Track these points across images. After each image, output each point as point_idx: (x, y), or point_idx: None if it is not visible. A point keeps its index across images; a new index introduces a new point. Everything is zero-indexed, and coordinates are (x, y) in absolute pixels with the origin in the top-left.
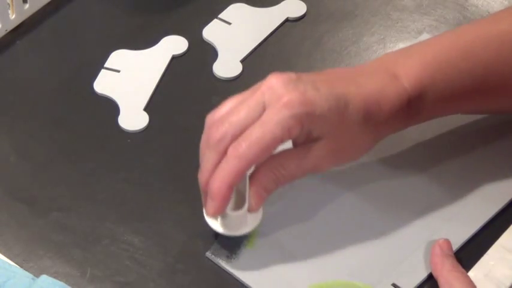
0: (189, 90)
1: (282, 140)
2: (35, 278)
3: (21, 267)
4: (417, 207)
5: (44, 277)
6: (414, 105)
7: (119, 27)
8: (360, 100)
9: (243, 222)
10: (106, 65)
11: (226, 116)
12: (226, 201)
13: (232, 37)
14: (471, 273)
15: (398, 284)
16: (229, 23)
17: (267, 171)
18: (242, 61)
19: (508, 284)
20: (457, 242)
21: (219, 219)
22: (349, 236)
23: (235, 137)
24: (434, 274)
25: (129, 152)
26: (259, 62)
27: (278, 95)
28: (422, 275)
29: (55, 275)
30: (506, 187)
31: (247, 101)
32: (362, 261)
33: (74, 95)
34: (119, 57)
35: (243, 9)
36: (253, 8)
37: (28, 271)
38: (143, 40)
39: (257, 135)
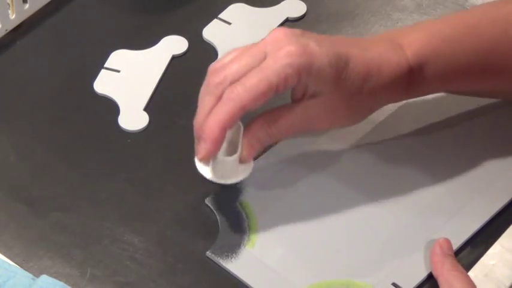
0: (189, 90)
1: (277, 88)
2: (35, 278)
3: (21, 267)
4: (417, 207)
5: (44, 277)
6: (414, 76)
7: (119, 27)
8: (360, 61)
9: (233, 170)
10: (106, 65)
11: (227, 63)
12: (218, 144)
13: (232, 37)
14: (471, 273)
15: (398, 283)
16: (229, 23)
17: (261, 123)
18: None
19: (508, 284)
20: (457, 242)
21: (210, 165)
22: (349, 235)
23: (234, 82)
24: (434, 273)
25: (129, 152)
26: None
27: (279, 46)
28: (422, 275)
29: (55, 275)
30: (506, 187)
31: (249, 50)
32: (362, 260)
33: (74, 95)
34: (119, 57)
35: (243, 9)
36: (253, 8)
37: (28, 271)
38: (143, 40)
39: (253, 80)
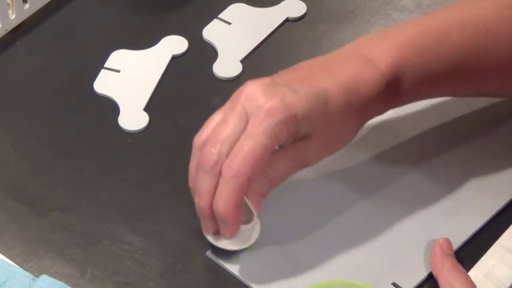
0: (189, 90)
1: (272, 148)
2: (35, 278)
3: (21, 267)
4: (417, 207)
5: (44, 277)
6: (392, 89)
7: (119, 27)
8: (338, 91)
9: (251, 233)
10: (106, 65)
11: (213, 135)
12: (238, 222)
13: (232, 37)
14: (471, 273)
15: (398, 283)
16: (229, 23)
17: (260, 178)
18: (242, 61)
19: (508, 284)
20: (457, 242)
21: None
22: (349, 235)
23: (229, 153)
24: (434, 273)
25: (129, 152)
26: (259, 62)
27: (258, 104)
28: (422, 275)
29: (55, 275)
30: (506, 187)
31: (230, 115)
32: (362, 260)
33: (74, 95)
34: (119, 57)
35: (243, 9)
36: (253, 8)
37: (28, 271)
38: (143, 40)
39: (247, 149)
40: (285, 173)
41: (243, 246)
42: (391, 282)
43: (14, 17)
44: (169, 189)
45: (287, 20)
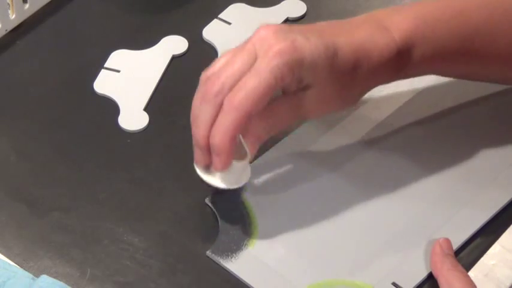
0: (189, 90)
1: (275, 88)
2: (35, 278)
3: (21, 267)
4: (417, 207)
5: (44, 277)
6: (403, 58)
7: (119, 27)
8: (349, 48)
9: (241, 174)
10: (106, 65)
11: (220, 69)
12: (231, 155)
13: (232, 37)
14: (471, 273)
15: (398, 283)
16: (229, 23)
17: (258, 121)
18: None
19: (508, 284)
20: (457, 242)
21: (218, 174)
22: (349, 235)
23: (232, 88)
24: (434, 273)
25: (129, 152)
26: None
27: (269, 45)
28: (422, 274)
29: (55, 275)
30: (506, 187)
31: (239, 53)
32: (362, 260)
33: (74, 95)
34: (119, 57)
35: (243, 9)
36: (253, 8)
37: (28, 271)
38: (143, 40)
39: (252, 85)
40: (284, 121)
41: (231, 186)
42: (391, 282)
43: (14, 17)
44: (169, 189)
45: (287, 20)
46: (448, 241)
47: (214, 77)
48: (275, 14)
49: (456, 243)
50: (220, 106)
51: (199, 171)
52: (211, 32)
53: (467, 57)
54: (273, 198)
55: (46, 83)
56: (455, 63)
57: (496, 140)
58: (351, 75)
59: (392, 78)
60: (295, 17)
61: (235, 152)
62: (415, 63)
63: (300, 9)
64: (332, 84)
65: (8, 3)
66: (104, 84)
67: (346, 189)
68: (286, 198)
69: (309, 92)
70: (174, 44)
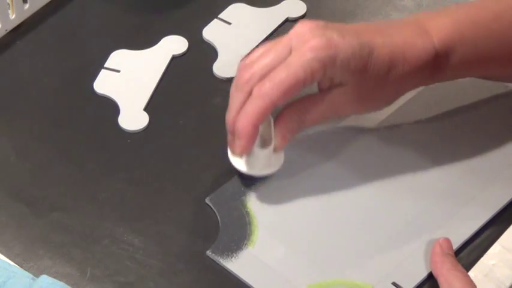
0: (189, 90)
1: (305, 82)
2: (35, 278)
3: (21, 267)
4: (417, 207)
5: (44, 277)
6: (440, 62)
7: (119, 27)
8: (385, 50)
9: (266, 162)
10: (106, 65)
11: (255, 59)
12: (252, 140)
13: (232, 37)
14: (471, 273)
15: (398, 282)
16: (229, 23)
17: (291, 114)
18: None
19: (508, 284)
20: (457, 242)
21: (244, 159)
22: (349, 235)
23: (262, 78)
24: (434, 273)
25: (129, 152)
26: None
27: (304, 40)
28: (422, 274)
29: (55, 275)
30: (507, 187)
31: (275, 45)
32: (362, 260)
33: (74, 95)
34: (119, 57)
35: (243, 9)
36: (253, 8)
37: (28, 271)
38: (143, 40)
39: (281, 76)
40: (316, 116)
41: (253, 172)
42: (391, 282)
43: (14, 17)
44: (169, 189)
45: (287, 20)
46: (448, 241)
47: (248, 66)
48: (275, 14)
49: (456, 243)
50: (250, 94)
51: (229, 154)
52: (211, 32)
53: (505, 59)
54: (273, 198)
55: (46, 83)
56: (493, 66)
57: (496, 140)
58: (385, 76)
59: (427, 81)
60: (295, 17)
61: (263, 140)
62: (454, 67)
63: (300, 9)
64: (365, 84)
65: (8, 3)
66: (104, 84)
67: (346, 190)
68: (286, 198)
69: (341, 90)
70: (174, 44)
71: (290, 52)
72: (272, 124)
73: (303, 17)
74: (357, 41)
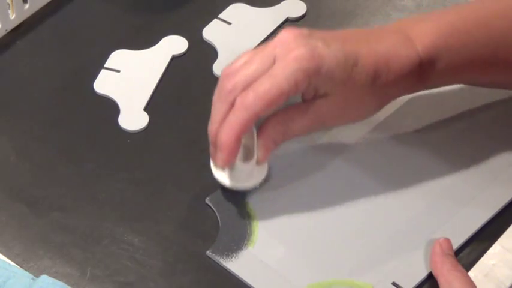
0: (189, 90)
1: (288, 94)
2: (35, 278)
3: (21, 267)
4: (417, 207)
5: (44, 277)
6: (424, 70)
7: (119, 27)
8: (369, 59)
9: (249, 175)
10: (106, 65)
11: (238, 69)
12: (234, 153)
13: (232, 37)
14: (471, 273)
15: (398, 282)
16: (229, 23)
17: (275, 124)
18: None
19: (508, 284)
20: (457, 242)
21: (226, 172)
22: (349, 235)
23: (246, 88)
24: (434, 273)
25: (129, 152)
26: None
27: (288, 49)
28: (422, 274)
29: (55, 275)
30: (507, 187)
31: (259, 54)
32: (362, 260)
33: (74, 95)
34: (119, 57)
35: (243, 9)
36: (253, 8)
37: (28, 271)
38: (143, 40)
39: (265, 87)
40: (301, 127)
41: (235, 186)
42: (391, 282)
43: (14, 17)
44: (169, 189)
45: (287, 20)
46: (448, 241)
47: (230, 75)
48: (275, 14)
49: (456, 243)
50: (232, 104)
51: (212, 166)
52: (211, 32)
53: (491, 66)
54: (273, 198)
55: (46, 83)
56: (479, 72)
57: (496, 140)
58: (370, 86)
59: (413, 89)
60: (295, 17)
61: (246, 151)
62: (438, 74)
63: (300, 9)
64: (350, 94)
65: (8, 3)
66: (104, 84)
67: (346, 189)
68: (286, 198)
69: (326, 100)
70: (174, 44)
71: (274, 61)
72: (255, 135)
73: (303, 17)
74: (342, 51)
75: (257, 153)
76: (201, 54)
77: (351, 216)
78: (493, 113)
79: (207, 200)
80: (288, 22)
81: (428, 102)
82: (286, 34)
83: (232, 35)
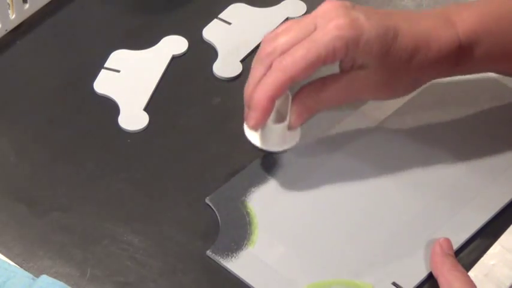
0: (189, 90)
1: (325, 60)
2: (35, 278)
3: (21, 267)
4: (417, 207)
5: (44, 277)
6: (463, 54)
7: (119, 27)
8: (409, 36)
9: (281, 138)
10: (106, 65)
11: (278, 34)
12: (266, 113)
13: (232, 37)
14: (471, 273)
15: (398, 282)
16: (229, 23)
17: (310, 91)
18: (242, 61)
19: (508, 284)
20: (457, 242)
21: (259, 133)
22: (349, 235)
23: (284, 52)
24: (434, 273)
25: (129, 152)
26: None
27: (329, 18)
28: (422, 274)
29: (55, 275)
30: (507, 187)
31: (300, 22)
32: (362, 260)
33: (74, 95)
34: (119, 57)
35: (243, 9)
36: (253, 8)
37: (28, 271)
38: (143, 40)
39: (302, 51)
40: (333, 96)
41: (266, 147)
42: (391, 282)
43: (14, 17)
44: (169, 189)
45: (287, 20)
46: (448, 241)
47: (271, 40)
48: (275, 14)
49: (456, 243)
50: (270, 67)
51: (244, 128)
52: (211, 32)
53: None
54: (273, 198)
55: (46, 83)
56: None
57: (496, 140)
58: (408, 63)
59: (449, 72)
60: (295, 17)
61: (280, 116)
62: (475, 60)
63: (300, 9)
64: (387, 68)
65: (8, 3)
66: (104, 84)
67: (345, 189)
68: (286, 197)
69: (362, 73)
70: (174, 44)
71: (314, 29)
72: (290, 100)
73: None
74: (383, 24)
75: (290, 119)
76: (201, 54)
77: (351, 216)
78: (493, 113)
79: (207, 200)
80: None
81: (428, 102)
82: (328, 4)
83: (232, 35)
